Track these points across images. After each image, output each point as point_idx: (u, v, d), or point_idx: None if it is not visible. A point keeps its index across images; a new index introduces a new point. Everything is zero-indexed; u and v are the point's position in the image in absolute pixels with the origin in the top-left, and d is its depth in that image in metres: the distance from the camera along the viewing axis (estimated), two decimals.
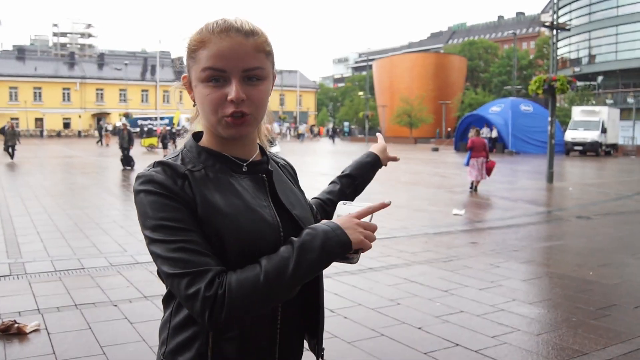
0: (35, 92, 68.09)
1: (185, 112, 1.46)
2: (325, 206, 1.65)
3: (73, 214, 10.22)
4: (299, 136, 60.39)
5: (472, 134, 15.47)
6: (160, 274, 1.19)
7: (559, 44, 50.62)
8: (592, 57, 54.29)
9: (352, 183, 1.72)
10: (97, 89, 71.55)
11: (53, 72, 70.36)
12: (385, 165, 1.83)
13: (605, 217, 10.89)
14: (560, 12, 53.80)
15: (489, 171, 14.65)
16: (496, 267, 6.68)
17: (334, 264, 1.23)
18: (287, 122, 69.34)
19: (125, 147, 20.40)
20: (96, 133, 55.54)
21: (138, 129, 46.29)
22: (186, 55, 1.27)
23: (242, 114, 1.20)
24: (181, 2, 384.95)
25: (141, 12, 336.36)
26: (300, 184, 1.50)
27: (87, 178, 17.58)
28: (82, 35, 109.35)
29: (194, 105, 1.31)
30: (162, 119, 50.55)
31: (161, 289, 1.32)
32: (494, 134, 35.90)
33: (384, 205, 1.28)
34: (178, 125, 37.70)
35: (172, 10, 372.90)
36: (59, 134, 65.38)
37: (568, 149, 34.09)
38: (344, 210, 1.28)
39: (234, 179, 1.25)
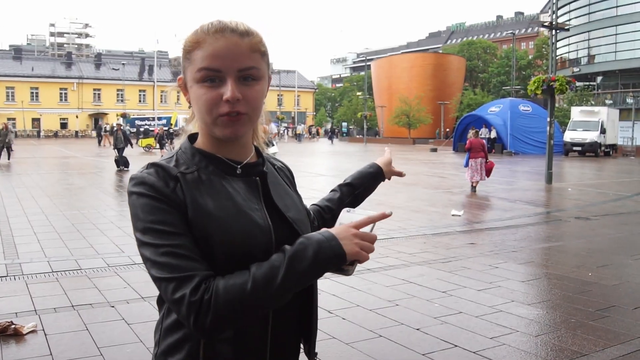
0: (32, 92, 68.07)
1: (183, 112, 1.45)
2: (324, 213, 1.65)
3: (70, 215, 10.20)
4: (297, 136, 60.40)
5: (470, 134, 15.48)
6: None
7: (558, 44, 50.66)
8: (591, 57, 54.34)
9: (352, 192, 1.71)
10: (94, 89, 71.57)
11: (50, 72, 70.35)
12: (389, 179, 1.82)
13: (604, 217, 10.89)
14: (560, 12, 53.84)
15: (488, 172, 14.67)
16: (495, 268, 6.67)
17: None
18: (285, 122, 69.33)
19: (120, 148, 20.23)
20: (94, 133, 55.49)
21: (134, 130, 46.29)
22: (182, 56, 1.27)
23: (237, 113, 1.20)
24: (179, 2, 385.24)
25: (139, 12, 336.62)
26: (298, 185, 1.49)
27: (84, 179, 17.56)
28: (80, 35, 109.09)
29: (190, 106, 1.30)
30: (159, 119, 50.49)
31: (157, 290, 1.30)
32: (493, 134, 35.89)
33: (384, 216, 1.24)
34: (175, 125, 37.64)
35: (170, 10, 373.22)
36: (56, 134, 65.32)
37: (567, 149, 34.09)
38: (347, 219, 1.26)
39: (226, 181, 1.25)
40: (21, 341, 4.27)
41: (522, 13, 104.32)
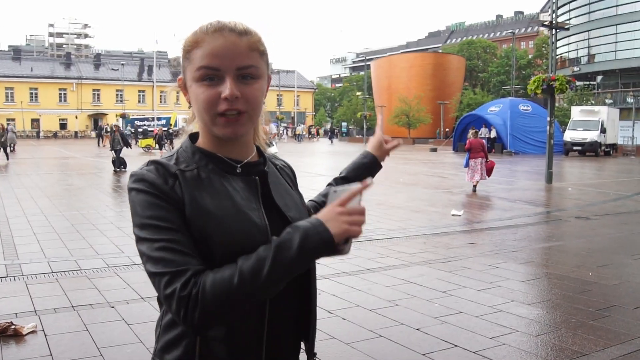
0: (31, 93, 68.06)
1: (182, 112, 1.45)
2: (321, 209, 1.63)
3: (70, 215, 10.19)
4: (297, 137, 60.37)
5: (470, 135, 15.48)
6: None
7: (558, 43, 50.64)
8: (591, 57, 54.32)
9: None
10: (93, 90, 71.55)
11: (49, 72, 70.32)
12: (388, 155, 1.82)
13: (604, 217, 10.88)
14: (560, 12, 53.82)
15: (489, 172, 14.67)
16: (495, 268, 6.67)
17: (329, 262, 1.20)
18: (285, 122, 69.29)
19: (117, 149, 20.09)
20: (93, 134, 55.38)
21: (133, 130, 46.29)
22: (181, 57, 1.28)
23: (237, 112, 1.20)
24: (178, 3, 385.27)
25: (138, 12, 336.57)
26: (298, 185, 1.49)
27: (83, 179, 17.56)
28: (79, 35, 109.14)
29: (190, 107, 1.30)
30: (159, 119, 50.49)
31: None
32: (493, 134, 35.88)
33: (365, 185, 1.18)
34: (175, 125, 37.60)
35: (169, 11, 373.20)
36: (55, 135, 65.28)
37: (567, 149, 34.06)
38: (333, 198, 1.22)
39: (226, 180, 1.25)
40: (21, 342, 4.27)
41: (521, 12, 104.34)
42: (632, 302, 5.38)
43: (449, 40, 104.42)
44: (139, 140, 34.83)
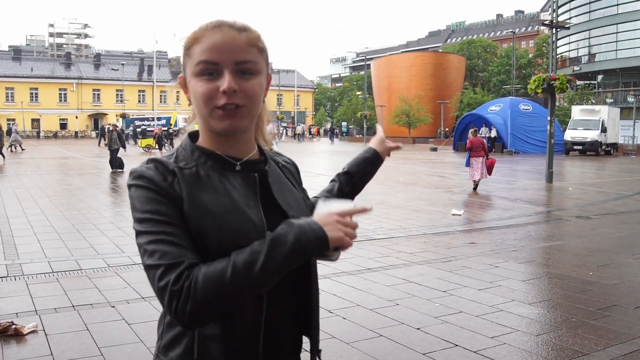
0: (31, 93, 68.04)
1: (182, 112, 1.45)
2: None
3: (70, 215, 10.20)
4: (297, 136, 60.33)
5: (470, 134, 15.49)
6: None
7: (559, 42, 50.60)
8: (591, 56, 54.28)
9: (350, 180, 1.71)
10: (93, 90, 71.52)
11: (49, 72, 70.28)
12: (389, 155, 1.81)
13: (605, 217, 10.88)
14: (560, 10, 53.76)
15: (489, 169, 14.66)
16: (495, 268, 6.66)
17: (332, 265, 1.20)
18: (285, 122, 69.24)
19: (114, 149, 19.99)
20: (93, 134, 55.34)
21: (131, 130, 46.27)
22: (182, 54, 1.29)
23: (235, 106, 1.21)
24: (178, 3, 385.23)
25: (138, 12, 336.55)
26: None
27: (83, 179, 17.56)
28: (79, 35, 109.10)
29: (190, 104, 1.31)
30: (159, 119, 50.49)
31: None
32: (493, 133, 35.87)
33: (365, 210, 1.26)
34: (175, 125, 37.61)
35: (169, 11, 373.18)
36: (55, 135, 65.28)
37: (568, 148, 34.02)
38: (323, 208, 1.24)
39: (225, 178, 1.25)
40: (22, 341, 4.27)
41: (522, 11, 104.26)
42: (632, 302, 5.38)
43: (449, 40, 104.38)
44: (139, 140, 34.80)
